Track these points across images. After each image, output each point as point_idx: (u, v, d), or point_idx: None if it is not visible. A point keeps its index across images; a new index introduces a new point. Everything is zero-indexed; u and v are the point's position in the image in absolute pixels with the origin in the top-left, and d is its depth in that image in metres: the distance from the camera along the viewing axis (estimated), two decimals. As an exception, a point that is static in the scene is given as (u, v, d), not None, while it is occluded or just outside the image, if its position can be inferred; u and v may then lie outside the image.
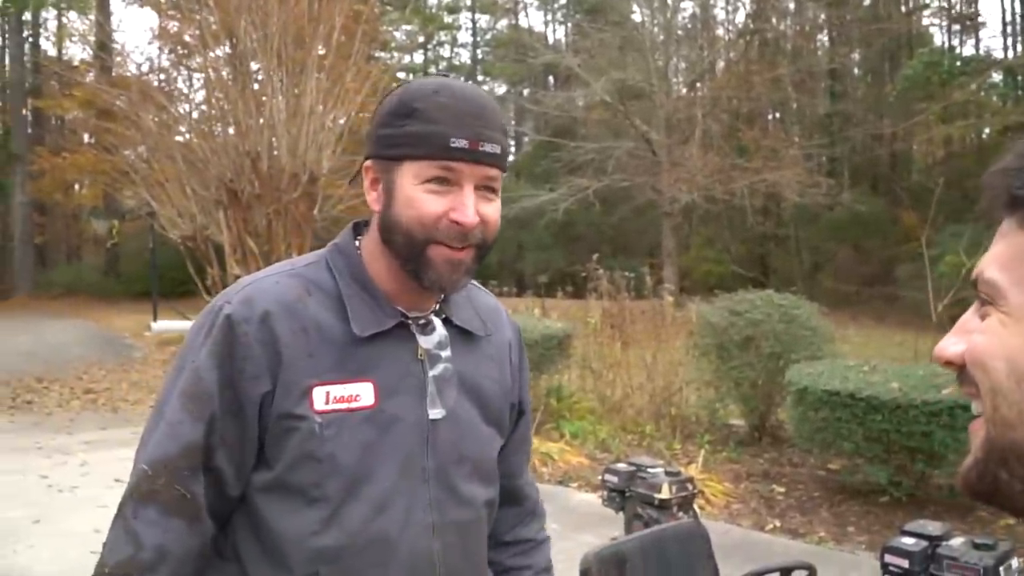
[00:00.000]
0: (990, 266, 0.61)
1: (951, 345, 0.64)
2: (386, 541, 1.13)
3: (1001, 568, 2.52)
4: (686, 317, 9.00)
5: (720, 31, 26.59)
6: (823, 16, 25.09)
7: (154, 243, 16.29)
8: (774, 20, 24.82)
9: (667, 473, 3.97)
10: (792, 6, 25.52)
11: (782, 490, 5.83)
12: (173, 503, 1.09)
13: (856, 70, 27.89)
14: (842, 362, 6.06)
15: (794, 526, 5.18)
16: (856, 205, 20.82)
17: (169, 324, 14.89)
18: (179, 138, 12.28)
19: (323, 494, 1.11)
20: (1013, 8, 26.82)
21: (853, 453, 5.37)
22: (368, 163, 1.16)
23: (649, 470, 3.95)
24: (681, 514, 3.85)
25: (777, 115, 27.42)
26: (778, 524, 5.22)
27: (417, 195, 1.10)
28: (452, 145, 1.08)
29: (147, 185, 12.00)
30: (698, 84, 23.50)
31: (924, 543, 2.68)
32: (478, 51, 35.70)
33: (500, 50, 33.55)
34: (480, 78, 34.25)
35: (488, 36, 36.31)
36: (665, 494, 3.80)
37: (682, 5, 24.16)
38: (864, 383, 5.19)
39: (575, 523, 4.93)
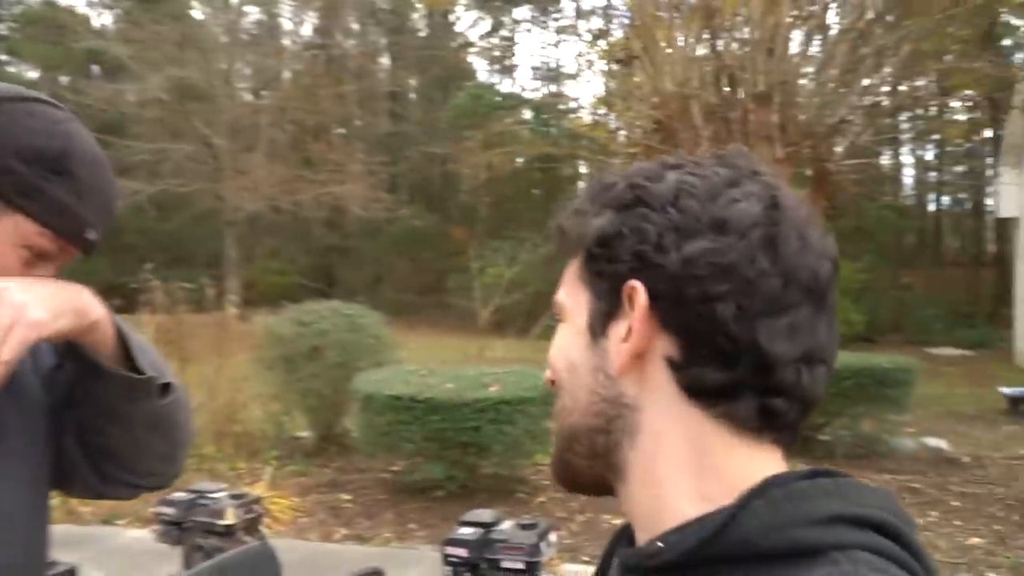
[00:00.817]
0: (559, 292, 0.72)
1: (548, 371, 0.72)
2: None
3: (542, 543, 2.82)
4: (251, 330, 8.69)
5: (287, 42, 26.43)
6: (384, 40, 26.44)
7: None
8: (339, 38, 25.48)
9: (231, 496, 3.72)
10: (356, 27, 26.47)
11: (349, 498, 5.89)
12: None
13: (414, 95, 29.91)
14: (404, 368, 6.35)
15: (361, 532, 5.26)
16: (413, 220, 22.28)
17: None
18: None
19: None
20: (541, 55, 31.15)
21: (414, 453, 5.64)
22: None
23: (210, 496, 3.67)
24: (247, 538, 3.64)
25: (343, 131, 28.16)
26: (346, 532, 5.26)
27: (7, 256, 0.94)
28: (85, 236, 0.98)
29: None
30: (263, 92, 23.07)
31: (480, 531, 2.88)
32: (2, 26, 30.63)
33: (31, 28, 29.17)
34: (4, 57, 29.42)
35: (16, 10, 31.34)
36: (230, 519, 3.55)
37: (247, 9, 23.54)
38: (423, 386, 5.49)
39: (125, 565, 4.41)
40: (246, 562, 2.91)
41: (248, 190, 19.11)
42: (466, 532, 2.86)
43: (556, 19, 28.90)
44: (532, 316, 11.45)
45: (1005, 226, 18.14)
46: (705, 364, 0.62)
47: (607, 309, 0.66)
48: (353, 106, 23.64)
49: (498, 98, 25.37)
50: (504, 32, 30.03)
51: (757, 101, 6.49)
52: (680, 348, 0.62)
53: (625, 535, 0.73)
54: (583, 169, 27.78)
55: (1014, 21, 17.36)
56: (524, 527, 2.87)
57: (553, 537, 2.92)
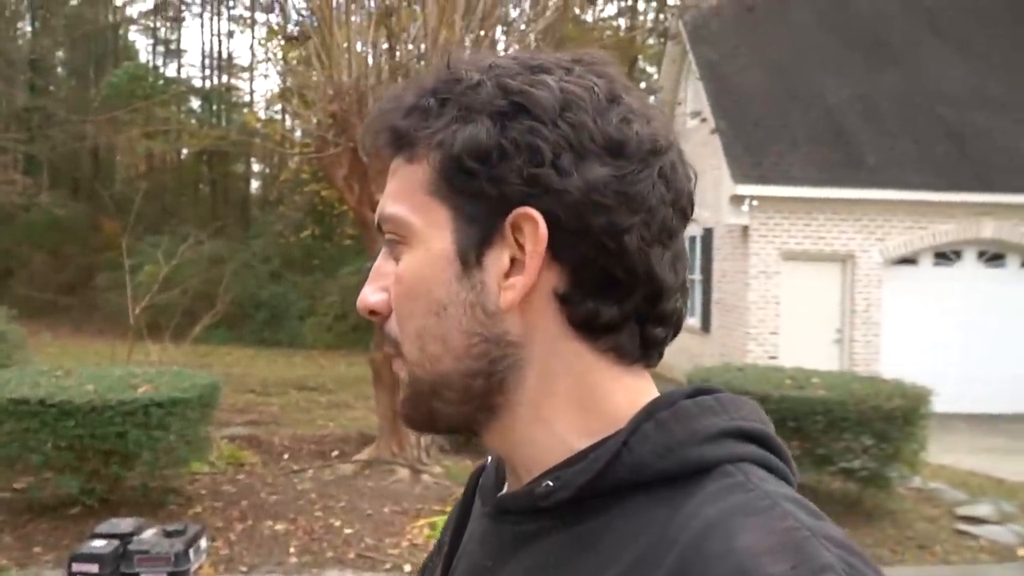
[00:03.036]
0: (388, 204, 0.62)
1: (371, 294, 0.63)
2: None
3: (191, 550, 2.58)
4: None
5: None
6: (26, 2, 23.15)
7: None
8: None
9: None
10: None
11: (-46, 522, 4.99)
12: None
13: (60, 69, 26.55)
14: (33, 368, 5.55)
15: (-32, 560, 4.48)
16: (55, 209, 19.70)
17: None
18: None
19: None
20: (212, 43, 29.35)
21: (42, 466, 4.94)
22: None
23: None
24: None
25: (-34, 98, 24.08)
26: (-53, 562, 4.44)
27: None
28: None
29: None
30: None
31: (115, 542, 2.57)
32: None
33: None
34: None
35: None
36: None
37: None
38: (57, 388, 4.85)
39: None
40: None
41: None
42: (98, 545, 2.53)
43: (231, 7, 27.47)
44: (191, 318, 10.65)
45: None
46: (599, 297, 0.59)
47: (483, 236, 0.59)
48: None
49: (161, 82, 23.43)
50: (171, 13, 27.84)
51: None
52: (571, 281, 0.59)
53: (484, 478, 0.69)
54: (256, 167, 26.68)
55: (648, 68, 19.96)
56: (169, 534, 2.61)
57: (204, 543, 2.69)
